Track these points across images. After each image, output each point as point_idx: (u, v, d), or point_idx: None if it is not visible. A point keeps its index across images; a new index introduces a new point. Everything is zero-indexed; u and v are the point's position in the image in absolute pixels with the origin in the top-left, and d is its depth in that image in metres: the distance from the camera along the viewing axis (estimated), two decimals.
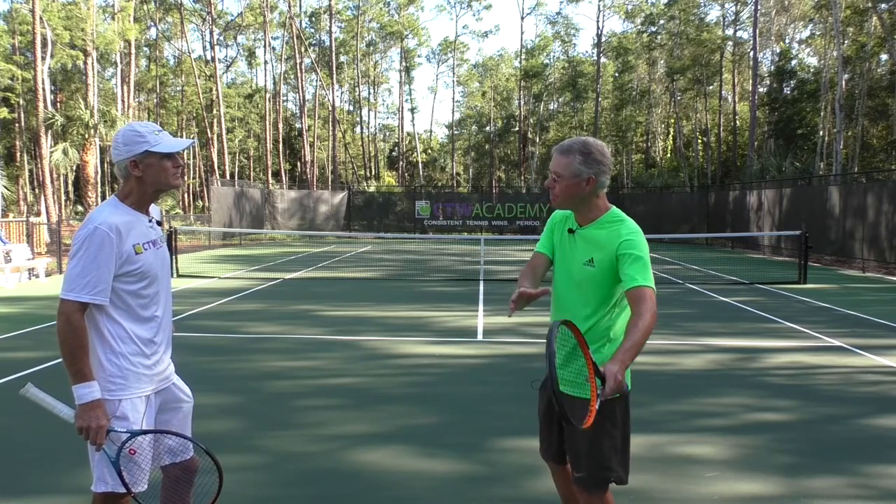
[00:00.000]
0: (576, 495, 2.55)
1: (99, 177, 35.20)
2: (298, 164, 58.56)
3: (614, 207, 2.46)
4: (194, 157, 54.45)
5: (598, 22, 47.55)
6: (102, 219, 2.22)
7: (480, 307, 10.65)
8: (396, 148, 65.48)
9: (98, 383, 2.23)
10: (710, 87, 45.51)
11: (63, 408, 2.26)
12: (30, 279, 14.26)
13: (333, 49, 46.78)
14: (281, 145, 48.75)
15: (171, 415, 2.47)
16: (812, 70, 42.10)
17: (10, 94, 41.48)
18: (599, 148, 2.38)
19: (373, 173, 57.58)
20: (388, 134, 72.73)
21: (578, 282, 2.41)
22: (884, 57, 36.11)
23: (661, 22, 46.83)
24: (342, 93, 63.36)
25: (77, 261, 2.19)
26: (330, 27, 47.76)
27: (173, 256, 13.46)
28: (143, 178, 2.31)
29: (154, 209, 2.46)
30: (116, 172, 2.35)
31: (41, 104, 27.95)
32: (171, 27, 54.21)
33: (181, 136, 35.30)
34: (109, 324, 2.27)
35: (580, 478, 2.39)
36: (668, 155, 53.59)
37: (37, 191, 43.54)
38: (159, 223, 2.48)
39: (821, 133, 37.17)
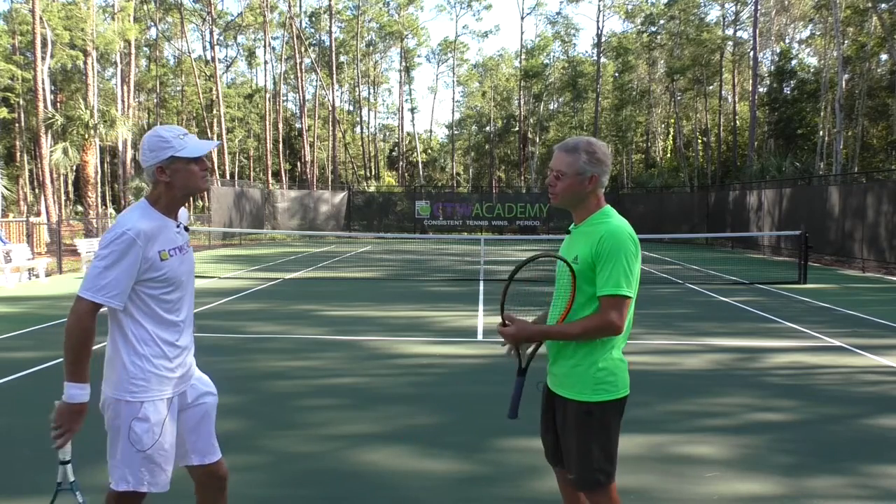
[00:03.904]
0: (578, 499, 2.55)
1: (99, 177, 35.18)
2: (298, 164, 58.54)
3: (607, 206, 2.45)
4: None
5: (598, 22, 47.56)
6: (132, 223, 2.22)
7: (480, 307, 10.65)
8: (396, 148, 65.46)
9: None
10: (710, 87, 45.49)
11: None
12: (30, 279, 14.25)
13: (333, 49, 46.78)
14: (281, 145, 48.72)
15: (192, 412, 2.47)
16: (812, 70, 42.09)
17: (10, 94, 41.46)
18: (603, 149, 2.41)
19: (373, 173, 57.55)
20: (388, 134, 72.71)
21: (566, 278, 2.44)
22: (884, 57, 36.11)
23: (661, 22, 46.80)
24: (342, 93, 63.42)
25: (100, 261, 2.19)
26: (330, 27, 47.78)
27: None
28: (171, 183, 2.32)
29: (182, 213, 2.45)
30: (145, 178, 2.37)
31: (41, 104, 27.91)
32: (171, 27, 54.15)
33: None
34: (133, 326, 2.28)
35: (573, 479, 2.43)
36: (668, 155, 53.58)
37: (37, 191, 43.54)
38: (186, 228, 2.47)
39: (821, 133, 37.16)
